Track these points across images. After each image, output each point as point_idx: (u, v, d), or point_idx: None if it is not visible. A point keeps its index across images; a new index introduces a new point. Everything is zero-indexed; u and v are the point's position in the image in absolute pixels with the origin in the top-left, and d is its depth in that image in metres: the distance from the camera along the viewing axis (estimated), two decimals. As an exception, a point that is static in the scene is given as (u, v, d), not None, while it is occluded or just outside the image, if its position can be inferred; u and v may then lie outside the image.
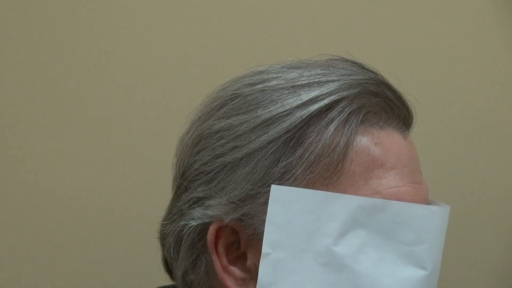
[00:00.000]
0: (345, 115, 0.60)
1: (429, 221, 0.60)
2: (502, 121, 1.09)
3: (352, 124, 0.60)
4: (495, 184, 1.08)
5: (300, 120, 0.60)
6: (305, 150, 0.60)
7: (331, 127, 0.60)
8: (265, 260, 0.58)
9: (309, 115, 0.61)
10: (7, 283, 1.03)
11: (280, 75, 0.65)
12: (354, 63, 0.66)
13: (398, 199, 0.61)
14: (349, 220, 0.58)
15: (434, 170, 1.05)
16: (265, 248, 0.57)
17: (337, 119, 0.60)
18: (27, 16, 1.02)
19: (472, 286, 1.09)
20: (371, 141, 0.62)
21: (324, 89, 0.62)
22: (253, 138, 0.61)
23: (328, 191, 0.60)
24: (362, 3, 1.08)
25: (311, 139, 0.60)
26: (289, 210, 0.58)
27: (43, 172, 1.03)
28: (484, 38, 1.08)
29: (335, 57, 0.66)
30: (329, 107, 0.61)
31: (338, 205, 0.58)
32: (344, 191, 0.60)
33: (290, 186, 0.60)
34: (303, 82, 0.63)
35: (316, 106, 0.61)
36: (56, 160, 1.04)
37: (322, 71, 0.64)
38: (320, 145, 0.60)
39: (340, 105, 0.61)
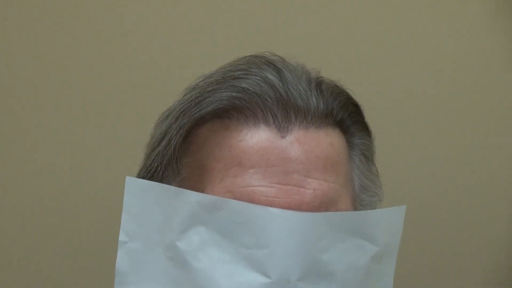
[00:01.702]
0: (198, 110, 0.59)
1: (269, 224, 0.54)
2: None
3: (193, 119, 0.59)
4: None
5: (175, 117, 0.62)
6: (161, 145, 0.61)
7: (178, 120, 0.60)
8: (121, 248, 0.59)
9: (179, 110, 0.61)
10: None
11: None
12: (266, 61, 0.63)
13: (251, 199, 0.57)
14: (189, 216, 0.57)
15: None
16: (121, 236, 0.59)
17: (188, 112, 0.60)
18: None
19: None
20: (234, 139, 0.59)
21: (204, 87, 0.62)
22: (154, 131, 0.65)
23: (185, 186, 0.60)
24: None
25: (168, 134, 0.61)
26: (142, 201, 0.58)
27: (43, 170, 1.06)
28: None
29: (257, 55, 0.64)
30: (195, 103, 0.60)
31: (180, 200, 0.57)
32: (204, 187, 0.59)
33: (151, 178, 0.61)
34: (208, 80, 0.64)
35: (187, 101, 0.61)
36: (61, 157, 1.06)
37: (229, 67, 0.63)
38: (167, 139, 0.61)
39: (202, 98, 0.60)
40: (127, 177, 0.59)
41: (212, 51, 1.02)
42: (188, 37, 1.04)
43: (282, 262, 0.54)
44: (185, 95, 0.64)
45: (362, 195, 0.64)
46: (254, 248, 0.55)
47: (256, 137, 0.58)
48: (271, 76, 0.59)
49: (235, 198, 0.56)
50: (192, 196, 0.56)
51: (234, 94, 0.59)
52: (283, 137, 0.58)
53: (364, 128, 0.66)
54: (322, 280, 0.56)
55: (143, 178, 0.62)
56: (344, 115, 0.63)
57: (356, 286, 0.58)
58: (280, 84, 0.59)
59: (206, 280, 0.55)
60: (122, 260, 0.59)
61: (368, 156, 0.66)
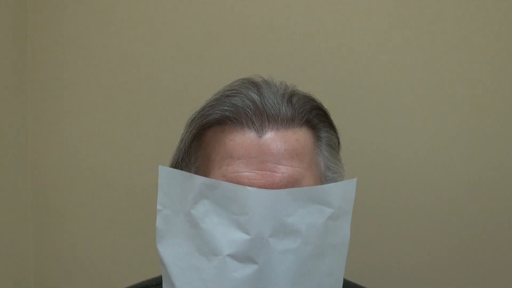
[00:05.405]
0: (202, 119, 0.84)
1: (248, 198, 0.78)
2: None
3: (199, 125, 0.84)
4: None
5: (188, 124, 0.87)
6: (181, 143, 0.87)
7: (191, 126, 0.85)
8: (159, 214, 0.84)
9: (192, 119, 0.87)
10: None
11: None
12: (252, 83, 0.86)
13: (237, 181, 0.81)
14: (198, 192, 0.81)
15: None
16: (158, 206, 0.84)
17: (196, 121, 0.85)
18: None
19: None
20: (227, 138, 0.83)
21: (208, 102, 0.87)
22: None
23: (199, 171, 0.84)
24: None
25: (184, 136, 0.86)
26: (169, 182, 0.83)
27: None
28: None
29: (247, 78, 0.88)
30: (201, 115, 0.85)
31: (192, 182, 0.82)
32: (209, 173, 0.84)
33: (179, 167, 0.86)
34: (213, 97, 0.88)
35: (197, 112, 0.86)
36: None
37: (228, 87, 0.88)
38: (182, 139, 0.85)
39: (205, 111, 0.85)
40: (159, 166, 0.85)
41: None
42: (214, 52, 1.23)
43: (257, 224, 0.78)
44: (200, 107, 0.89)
45: (327, 172, 0.88)
46: (239, 215, 0.79)
47: (242, 138, 0.82)
48: (253, 94, 0.84)
49: (228, 181, 0.81)
50: (198, 179, 0.81)
51: (226, 108, 0.83)
52: (260, 137, 0.82)
53: (329, 125, 0.89)
54: (289, 236, 0.79)
55: (171, 166, 0.88)
56: (310, 117, 0.86)
57: (317, 238, 0.81)
58: (259, 99, 0.83)
59: (210, 237, 0.80)
60: (159, 222, 0.84)
61: (332, 145, 0.89)
